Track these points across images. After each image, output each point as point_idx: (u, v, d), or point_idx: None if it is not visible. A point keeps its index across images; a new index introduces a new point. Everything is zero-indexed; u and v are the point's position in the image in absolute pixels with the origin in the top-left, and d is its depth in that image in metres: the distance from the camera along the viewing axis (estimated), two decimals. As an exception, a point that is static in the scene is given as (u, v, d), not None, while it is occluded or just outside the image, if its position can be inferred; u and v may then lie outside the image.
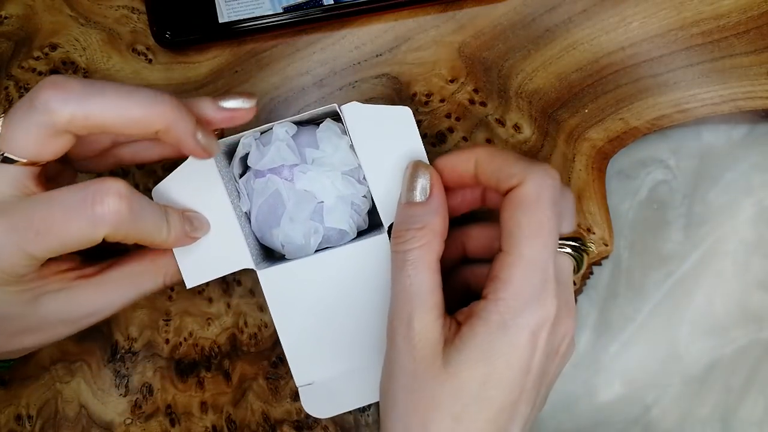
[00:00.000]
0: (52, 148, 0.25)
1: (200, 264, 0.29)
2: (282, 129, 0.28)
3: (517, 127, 0.34)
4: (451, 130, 0.34)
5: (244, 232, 0.29)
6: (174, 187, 0.29)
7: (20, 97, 0.34)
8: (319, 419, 0.33)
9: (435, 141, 0.34)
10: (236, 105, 0.27)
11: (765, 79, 0.34)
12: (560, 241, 0.26)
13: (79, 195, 0.24)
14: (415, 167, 0.27)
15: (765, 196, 0.36)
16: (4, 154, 0.24)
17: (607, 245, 0.34)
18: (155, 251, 0.29)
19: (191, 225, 0.28)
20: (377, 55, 0.34)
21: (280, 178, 0.28)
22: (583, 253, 0.27)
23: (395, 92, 0.34)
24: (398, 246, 0.26)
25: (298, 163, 0.28)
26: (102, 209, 0.24)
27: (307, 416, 0.34)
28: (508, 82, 0.34)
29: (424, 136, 0.34)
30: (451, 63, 0.34)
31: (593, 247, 0.28)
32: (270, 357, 0.34)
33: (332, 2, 0.33)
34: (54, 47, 0.35)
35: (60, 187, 0.25)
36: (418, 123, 0.34)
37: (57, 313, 0.27)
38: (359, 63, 0.34)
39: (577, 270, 0.27)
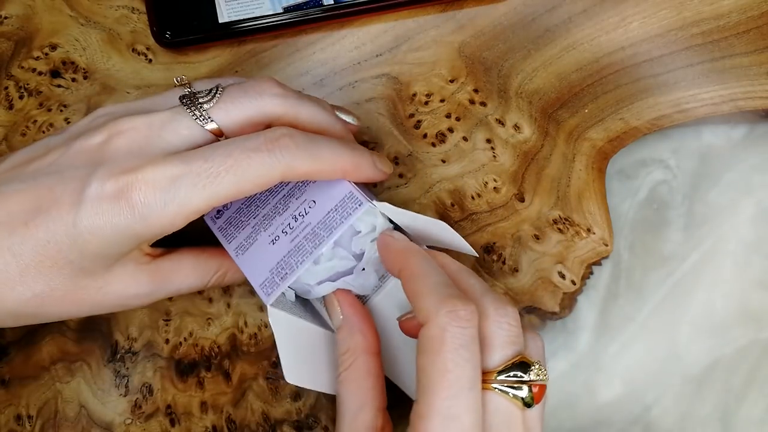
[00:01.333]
0: (248, 129, 0.25)
1: (302, 366, 0.28)
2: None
3: (517, 127, 0.34)
4: (451, 130, 0.34)
5: None
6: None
7: (20, 97, 0.34)
8: (319, 419, 0.33)
9: (435, 141, 0.34)
10: (349, 119, 0.29)
11: (765, 79, 0.34)
12: (498, 376, 0.23)
13: (254, 139, 0.24)
14: (327, 299, 0.29)
15: (765, 196, 0.36)
16: (209, 116, 0.25)
17: (607, 245, 0.34)
18: (212, 250, 0.29)
19: (380, 159, 0.27)
20: (377, 55, 0.34)
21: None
22: (528, 384, 0.23)
23: (395, 92, 0.34)
24: (337, 371, 0.27)
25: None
26: (276, 145, 0.24)
27: (307, 416, 0.34)
28: (508, 82, 0.34)
29: (423, 137, 0.34)
30: (451, 63, 0.34)
31: (542, 373, 0.24)
32: (270, 357, 0.34)
33: (332, 2, 0.33)
34: (54, 47, 0.35)
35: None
36: (418, 123, 0.34)
37: (118, 284, 0.27)
38: (359, 63, 0.34)
39: (528, 403, 0.23)
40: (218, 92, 0.25)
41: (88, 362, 0.34)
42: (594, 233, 0.34)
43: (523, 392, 0.23)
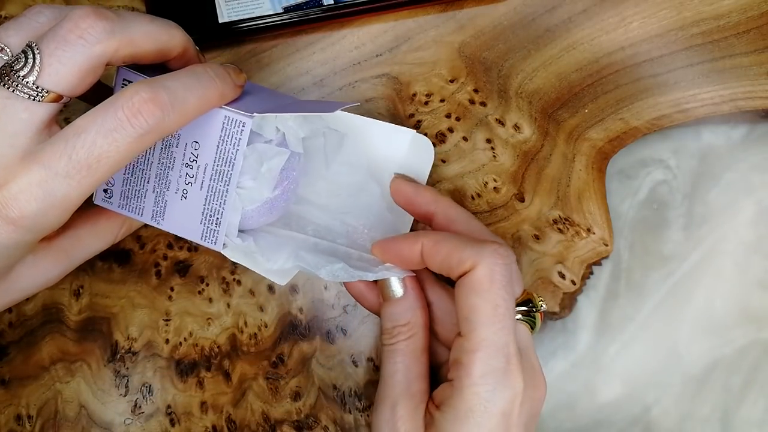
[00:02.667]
0: (88, 81, 0.23)
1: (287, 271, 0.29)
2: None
3: (517, 127, 0.34)
4: (451, 130, 0.34)
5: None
6: None
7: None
8: (319, 419, 0.33)
9: (435, 141, 0.34)
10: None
11: (765, 79, 0.34)
12: (517, 308, 0.27)
13: (112, 116, 0.22)
14: (387, 267, 0.29)
15: (765, 196, 0.36)
16: (42, 88, 0.22)
17: (607, 245, 0.34)
18: (107, 212, 0.28)
19: (235, 74, 0.26)
20: (377, 55, 0.34)
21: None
22: (535, 314, 0.28)
23: (395, 92, 0.34)
24: (387, 341, 0.28)
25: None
26: (139, 118, 0.22)
27: (307, 416, 0.34)
28: (508, 82, 0.34)
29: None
30: (451, 63, 0.34)
31: (543, 304, 0.28)
32: (270, 357, 0.34)
33: (332, 2, 0.33)
34: (54, 47, 0.35)
35: None
36: (418, 123, 0.34)
37: (23, 280, 0.26)
38: (359, 63, 0.34)
39: (532, 329, 0.28)
40: (35, 53, 0.22)
41: (88, 362, 0.34)
42: (594, 233, 0.34)
43: (534, 319, 0.28)
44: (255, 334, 0.34)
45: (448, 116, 0.34)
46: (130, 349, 0.34)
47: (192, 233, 0.27)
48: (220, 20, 0.33)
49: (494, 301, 0.24)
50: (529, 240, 0.34)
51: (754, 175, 0.36)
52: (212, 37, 0.33)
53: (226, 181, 0.26)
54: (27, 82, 0.22)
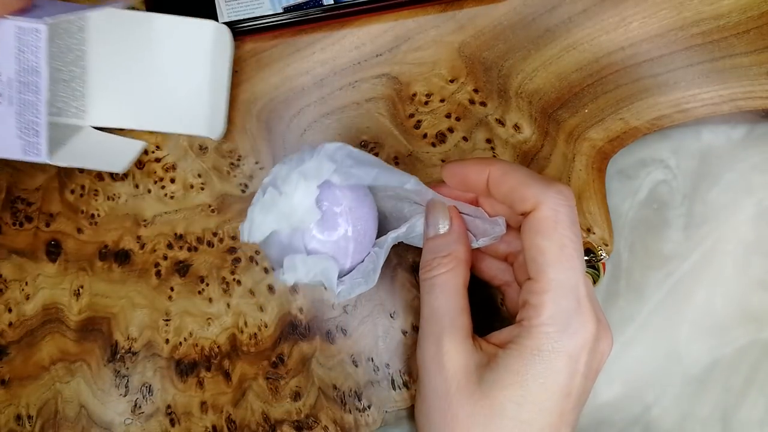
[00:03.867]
0: None
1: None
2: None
3: (517, 127, 0.34)
4: (451, 130, 0.34)
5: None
6: None
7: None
8: (319, 419, 0.33)
9: (435, 141, 0.34)
10: None
11: (765, 79, 0.34)
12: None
13: None
14: (433, 204, 0.28)
15: (765, 196, 0.36)
16: None
17: (607, 245, 0.34)
18: None
19: None
20: (377, 55, 0.34)
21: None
22: (597, 264, 0.27)
23: (395, 92, 0.34)
24: (426, 274, 0.27)
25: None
26: None
27: (307, 416, 0.34)
28: (508, 82, 0.34)
29: (423, 137, 0.34)
30: (451, 63, 0.34)
31: (604, 254, 0.27)
32: (270, 357, 0.34)
33: (332, 2, 0.33)
34: (54, 47, 0.35)
35: None
36: (418, 123, 0.34)
37: None
38: (359, 63, 0.34)
39: (595, 281, 0.27)
40: None
41: (88, 362, 0.34)
42: (594, 233, 0.34)
43: (597, 270, 0.27)
44: (255, 334, 0.34)
45: (448, 116, 0.34)
46: (130, 349, 0.34)
47: (12, 151, 0.27)
48: (220, 20, 0.33)
49: (561, 241, 0.24)
50: (529, 240, 0.34)
51: (754, 175, 0.36)
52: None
53: (35, 90, 0.26)
54: None
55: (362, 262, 0.28)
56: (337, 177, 0.26)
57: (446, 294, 0.26)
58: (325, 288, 0.28)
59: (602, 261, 0.27)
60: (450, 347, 0.25)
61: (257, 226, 0.26)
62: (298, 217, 0.26)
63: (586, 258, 0.27)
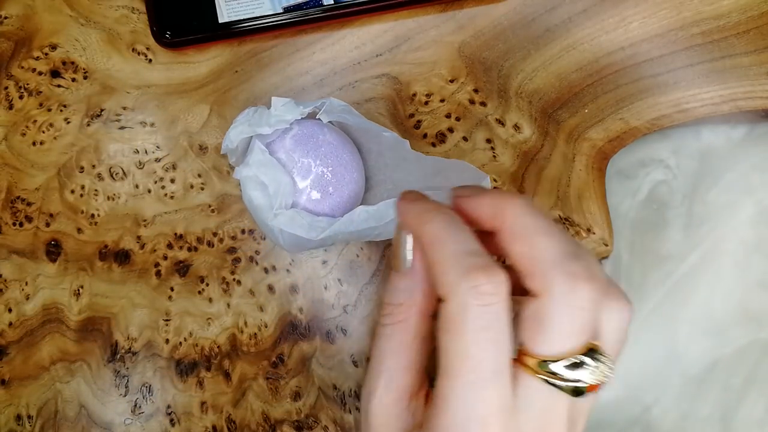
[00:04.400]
0: None
1: None
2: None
3: (517, 127, 0.34)
4: (451, 130, 0.34)
5: None
6: None
7: (20, 97, 0.34)
8: (319, 419, 0.33)
9: (435, 141, 0.34)
10: None
11: (765, 79, 0.34)
12: (552, 365, 0.21)
13: None
14: (398, 228, 0.23)
15: (765, 196, 0.36)
16: None
17: (607, 245, 0.34)
18: None
19: None
20: (377, 55, 0.34)
21: None
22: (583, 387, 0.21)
23: (395, 92, 0.34)
24: (381, 318, 0.24)
25: None
26: None
27: (307, 416, 0.34)
28: (508, 82, 0.34)
29: (423, 137, 0.34)
30: (451, 63, 0.34)
31: (605, 369, 0.21)
32: (270, 357, 0.34)
33: (332, 2, 0.33)
34: (54, 47, 0.35)
35: None
36: (418, 123, 0.34)
37: None
38: (359, 63, 0.34)
39: (580, 391, 0.21)
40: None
41: (88, 362, 0.34)
42: (594, 233, 0.34)
43: (580, 382, 0.20)
44: (255, 334, 0.34)
45: (448, 116, 0.34)
46: (130, 349, 0.34)
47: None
48: (220, 20, 0.33)
49: (464, 348, 0.20)
50: (529, 240, 0.34)
51: (754, 175, 0.36)
52: (212, 37, 0.33)
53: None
54: None
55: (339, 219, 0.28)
56: (325, 115, 0.29)
57: (391, 347, 0.23)
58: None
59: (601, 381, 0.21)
60: (378, 406, 0.23)
61: (237, 132, 0.29)
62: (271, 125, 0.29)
63: (576, 366, 0.21)
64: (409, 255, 0.23)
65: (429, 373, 0.24)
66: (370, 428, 0.23)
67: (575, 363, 0.20)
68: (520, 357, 0.21)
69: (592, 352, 0.20)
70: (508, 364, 0.20)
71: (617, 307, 0.22)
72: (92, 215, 0.34)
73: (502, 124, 0.34)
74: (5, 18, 0.35)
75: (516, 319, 0.21)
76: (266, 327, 0.34)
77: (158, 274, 0.34)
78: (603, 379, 0.20)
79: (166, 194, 0.34)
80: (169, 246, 0.34)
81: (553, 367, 0.20)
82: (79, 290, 0.34)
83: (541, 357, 0.20)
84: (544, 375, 0.20)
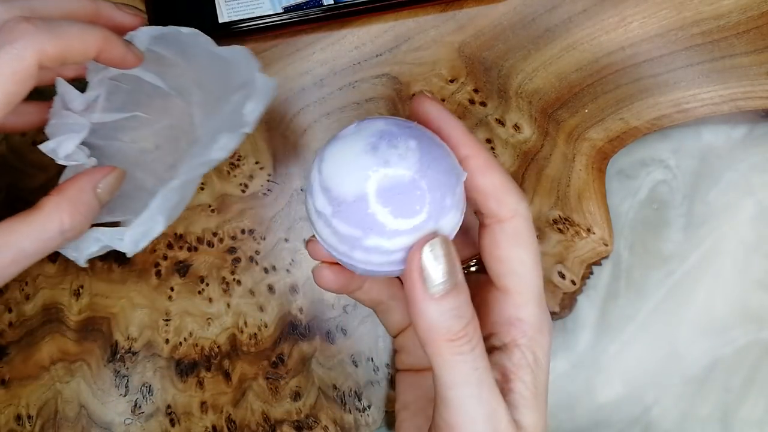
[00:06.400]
0: (24, 91, 0.23)
1: None
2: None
3: (517, 127, 0.34)
4: (451, 130, 0.34)
5: None
6: None
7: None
8: (319, 419, 0.33)
9: (435, 141, 0.34)
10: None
11: (765, 79, 0.34)
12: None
13: None
14: (432, 244, 0.21)
15: (765, 196, 0.36)
16: None
17: (607, 245, 0.34)
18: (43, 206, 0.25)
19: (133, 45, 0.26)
20: (377, 55, 0.34)
21: None
22: None
23: (395, 92, 0.34)
24: (457, 349, 0.21)
25: None
26: (15, 34, 0.22)
27: (307, 416, 0.34)
28: (508, 82, 0.34)
29: (424, 136, 0.34)
30: (451, 63, 0.34)
31: None
32: (270, 357, 0.34)
33: (332, 2, 0.33)
34: (54, 47, 0.35)
35: None
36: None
37: None
38: (359, 63, 0.34)
39: None
40: None
41: (88, 362, 0.34)
42: (594, 233, 0.34)
43: None
44: (255, 334, 0.34)
45: (448, 116, 0.34)
46: (130, 349, 0.34)
47: None
48: (220, 20, 0.33)
49: (537, 251, 0.24)
50: (529, 240, 0.34)
51: (754, 175, 0.36)
52: (212, 37, 0.33)
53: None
54: None
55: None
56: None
57: (479, 378, 0.21)
58: None
59: None
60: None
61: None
62: None
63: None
64: (457, 264, 0.21)
65: None
66: None
67: None
68: None
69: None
70: None
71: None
72: (92, 215, 0.34)
73: (502, 124, 0.34)
74: (5, 18, 0.35)
75: None
76: (266, 327, 0.34)
77: (158, 274, 0.34)
78: None
79: (166, 194, 0.34)
80: (169, 246, 0.34)
81: None
82: (79, 290, 0.34)
83: None
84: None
